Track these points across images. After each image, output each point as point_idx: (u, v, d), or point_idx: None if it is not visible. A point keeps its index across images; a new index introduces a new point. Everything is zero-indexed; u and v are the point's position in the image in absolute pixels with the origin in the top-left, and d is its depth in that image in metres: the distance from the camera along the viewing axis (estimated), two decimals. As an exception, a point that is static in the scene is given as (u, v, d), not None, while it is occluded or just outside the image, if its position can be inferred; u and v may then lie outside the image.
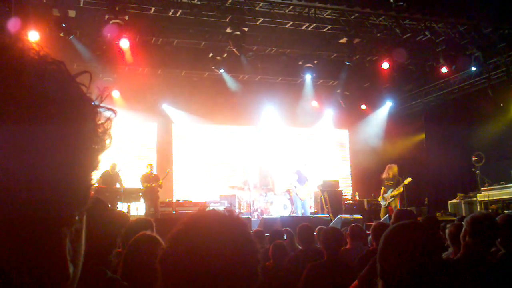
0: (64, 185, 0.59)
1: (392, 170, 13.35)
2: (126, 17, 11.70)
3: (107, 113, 0.67)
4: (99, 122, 0.65)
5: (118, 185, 12.91)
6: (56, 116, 0.59)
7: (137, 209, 13.28)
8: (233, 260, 1.35)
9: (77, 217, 0.63)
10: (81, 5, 12.12)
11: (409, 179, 13.09)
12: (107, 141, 0.66)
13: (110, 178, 12.68)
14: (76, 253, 0.64)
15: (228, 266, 1.34)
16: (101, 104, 0.66)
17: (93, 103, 0.65)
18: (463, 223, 3.72)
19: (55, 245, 0.60)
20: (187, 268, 1.34)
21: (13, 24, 10.44)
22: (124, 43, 12.46)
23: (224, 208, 1.61)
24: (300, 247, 6.24)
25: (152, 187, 13.26)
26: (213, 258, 1.33)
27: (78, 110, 0.62)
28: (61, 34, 12.03)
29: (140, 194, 13.18)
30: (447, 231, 4.48)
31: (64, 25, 11.92)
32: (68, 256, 0.61)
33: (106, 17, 11.58)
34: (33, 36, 11.24)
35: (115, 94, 15.11)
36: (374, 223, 5.72)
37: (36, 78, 0.59)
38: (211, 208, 1.69)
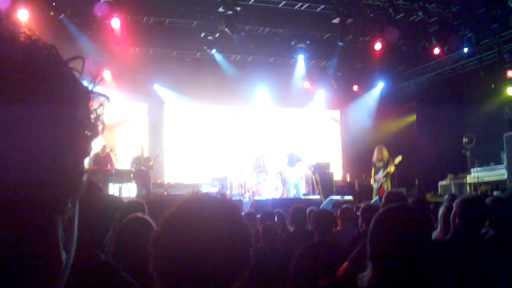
0: (56, 172, 0.59)
1: (381, 151, 13.40)
2: (118, -4, 11.56)
3: (100, 99, 0.66)
4: (92, 108, 0.65)
5: (109, 167, 12.88)
6: (48, 102, 0.58)
7: (129, 190, 13.27)
8: (225, 243, 1.36)
9: (69, 204, 0.62)
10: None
11: (399, 158, 13.12)
12: (100, 127, 0.65)
13: (101, 159, 12.65)
14: (69, 240, 0.64)
15: (220, 249, 1.35)
16: (94, 90, 0.65)
17: (85, 89, 0.64)
18: (453, 204, 3.76)
19: (48, 232, 0.59)
20: (179, 250, 1.35)
21: (2, 2, 10.29)
22: (115, 23, 12.32)
23: (217, 192, 1.62)
24: (292, 229, 6.29)
25: (143, 169, 13.25)
26: (205, 241, 1.34)
27: (70, 96, 0.62)
28: (51, 13, 11.86)
29: (132, 175, 13.17)
30: (440, 211, 4.51)
31: (54, 4, 11.75)
32: (61, 243, 0.61)
33: (97, -5, 11.44)
34: (23, 15, 11.08)
35: (106, 74, 14.99)
36: (362, 205, 5.75)
37: (27, 63, 0.59)
38: (203, 191, 1.69)
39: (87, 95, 0.64)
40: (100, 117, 0.65)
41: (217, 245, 1.35)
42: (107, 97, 0.67)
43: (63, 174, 0.60)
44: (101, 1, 11.39)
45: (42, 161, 0.57)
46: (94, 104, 0.65)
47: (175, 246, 1.36)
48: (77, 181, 0.62)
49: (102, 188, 2.21)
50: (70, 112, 0.61)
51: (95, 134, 0.64)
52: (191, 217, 1.39)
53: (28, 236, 0.58)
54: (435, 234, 4.43)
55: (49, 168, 0.58)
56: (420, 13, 13.45)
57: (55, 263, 0.61)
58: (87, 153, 0.63)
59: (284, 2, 13.35)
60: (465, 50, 14.59)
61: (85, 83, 0.64)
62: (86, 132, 0.63)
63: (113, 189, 12.72)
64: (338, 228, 6.18)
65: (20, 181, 0.56)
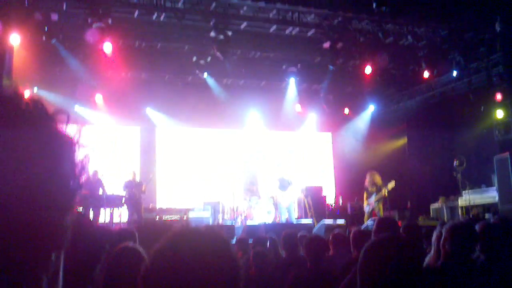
0: (39, 229, 0.58)
1: (374, 177, 13.30)
2: (109, 21, 11.60)
3: (85, 150, 0.66)
4: (77, 160, 0.65)
5: (101, 191, 12.78)
6: (31, 156, 0.58)
7: (120, 215, 13.16)
8: (214, 279, 1.36)
9: (53, 258, 0.62)
10: (64, 8, 12.01)
11: (393, 183, 12.95)
12: (83, 178, 0.65)
13: (92, 184, 12.55)
14: None
15: (209, 285, 1.35)
16: (79, 143, 0.66)
17: (69, 142, 0.65)
18: (442, 230, 3.76)
19: None
20: (169, 285, 1.34)
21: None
22: (107, 47, 12.35)
23: (205, 225, 1.62)
24: (284, 254, 6.24)
25: (135, 194, 13.17)
26: (194, 277, 1.34)
27: (55, 149, 0.62)
28: (43, 38, 11.89)
29: (123, 200, 13.08)
30: (434, 235, 4.48)
31: (46, 28, 11.78)
32: None
33: (89, 20, 11.48)
34: (15, 39, 11.11)
35: (98, 98, 15.00)
36: (353, 230, 5.69)
37: (12, 117, 0.59)
38: (191, 216, 1.68)
39: (72, 147, 0.65)
40: (85, 169, 0.66)
41: (206, 281, 1.35)
42: (91, 149, 0.67)
43: (46, 232, 0.59)
44: (93, 26, 11.42)
45: (24, 218, 0.57)
46: (79, 156, 0.65)
47: (165, 281, 1.36)
48: (61, 237, 0.62)
49: (91, 220, 2.20)
50: (54, 166, 0.61)
51: (78, 186, 0.64)
52: (180, 252, 1.39)
53: None
54: (428, 259, 4.42)
55: (32, 226, 0.58)
56: (409, 37, 13.64)
57: None
58: (70, 207, 0.63)
59: (275, 26, 13.49)
60: (454, 73, 14.75)
61: (70, 136, 0.65)
62: (70, 184, 0.63)
63: (104, 214, 12.61)
64: (330, 253, 6.14)
65: (2, 241, 0.56)
